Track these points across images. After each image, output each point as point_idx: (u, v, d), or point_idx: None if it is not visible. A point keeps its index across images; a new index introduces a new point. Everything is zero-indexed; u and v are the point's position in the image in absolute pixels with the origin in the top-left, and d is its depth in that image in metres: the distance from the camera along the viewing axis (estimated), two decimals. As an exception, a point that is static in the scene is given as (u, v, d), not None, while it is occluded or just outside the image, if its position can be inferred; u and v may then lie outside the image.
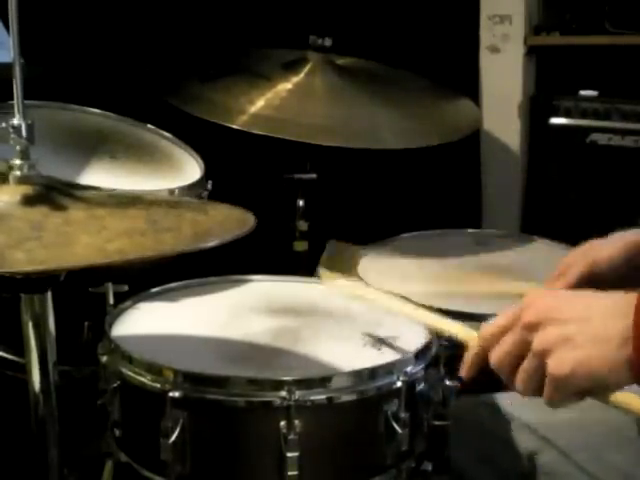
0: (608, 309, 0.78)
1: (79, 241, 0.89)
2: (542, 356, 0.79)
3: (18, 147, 0.98)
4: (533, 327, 0.80)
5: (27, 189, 0.97)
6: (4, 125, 0.98)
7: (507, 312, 0.84)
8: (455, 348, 1.09)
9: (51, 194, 0.98)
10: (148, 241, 0.91)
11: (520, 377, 0.82)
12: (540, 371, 0.80)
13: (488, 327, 0.86)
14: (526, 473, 1.14)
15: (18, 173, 0.98)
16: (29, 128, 0.98)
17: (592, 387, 0.79)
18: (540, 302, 0.82)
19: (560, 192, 2.24)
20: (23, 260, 0.84)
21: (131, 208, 1.01)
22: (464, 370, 0.90)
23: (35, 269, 0.89)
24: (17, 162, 0.98)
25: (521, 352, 0.81)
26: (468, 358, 0.89)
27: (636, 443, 1.10)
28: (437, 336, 1.15)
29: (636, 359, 0.74)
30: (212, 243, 0.91)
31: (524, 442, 1.15)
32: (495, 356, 0.84)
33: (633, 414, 0.81)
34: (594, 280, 1.17)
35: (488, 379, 0.89)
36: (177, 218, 1.01)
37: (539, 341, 0.79)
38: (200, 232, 0.98)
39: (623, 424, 1.10)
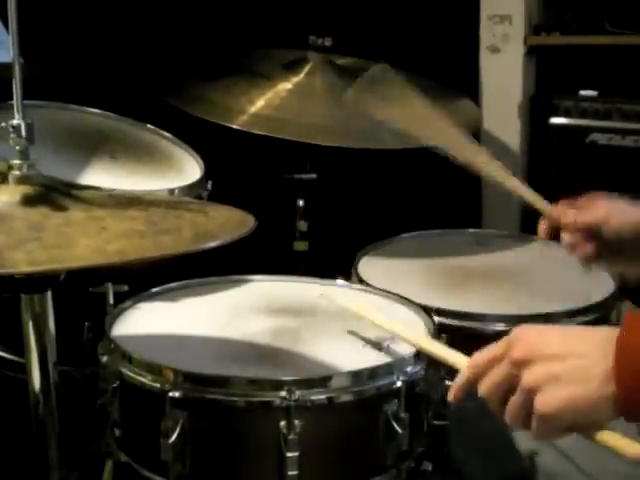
0: (593, 347, 0.79)
1: (79, 242, 0.89)
2: (530, 393, 0.80)
3: (18, 147, 0.98)
4: (521, 364, 0.81)
5: (27, 189, 0.97)
6: (4, 125, 0.98)
7: (497, 344, 0.86)
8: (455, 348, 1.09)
9: (51, 194, 0.98)
10: (148, 243, 0.91)
11: (509, 411, 0.83)
12: (528, 407, 0.81)
13: (478, 356, 0.87)
14: (525, 472, 1.14)
15: (18, 173, 0.98)
16: (29, 128, 0.98)
17: (578, 423, 0.80)
18: (528, 337, 0.83)
19: (560, 192, 2.23)
20: (23, 261, 0.84)
21: (130, 209, 1.01)
22: (452, 395, 0.90)
23: (35, 270, 0.89)
24: (17, 162, 0.98)
25: (509, 386, 0.83)
26: (457, 384, 0.89)
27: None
28: (438, 334, 1.15)
29: (620, 396, 0.76)
30: (212, 245, 0.91)
31: (524, 441, 1.15)
32: (484, 387, 0.85)
33: (619, 454, 0.82)
34: (596, 234, 1.18)
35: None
36: (176, 219, 1.00)
37: (526, 379, 0.81)
38: (200, 234, 0.97)
39: (623, 425, 1.10)
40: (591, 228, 1.20)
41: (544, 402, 0.79)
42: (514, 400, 0.82)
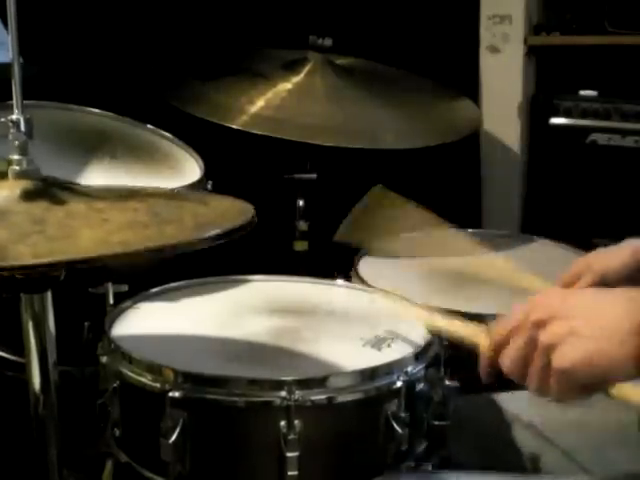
0: (614, 305, 0.78)
1: (82, 234, 0.89)
2: (548, 351, 0.79)
3: (17, 142, 0.98)
4: (541, 324, 0.80)
5: (26, 184, 0.97)
6: (3, 120, 0.98)
7: (515, 313, 0.84)
8: (455, 348, 1.09)
9: (50, 188, 0.98)
10: (151, 233, 0.92)
11: (530, 375, 0.82)
12: (548, 367, 0.79)
13: (498, 328, 0.86)
14: (529, 473, 1.14)
15: (17, 168, 0.98)
16: (28, 123, 0.98)
17: (596, 381, 0.79)
18: (547, 300, 0.83)
19: (560, 192, 2.24)
20: (28, 254, 0.84)
21: (131, 200, 1.01)
22: (483, 374, 0.89)
23: (41, 262, 0.89)
24: (16, 157, 0.98)
25: (531, 352, 0.81)
26: (484, 361, 0.88)
27: (638, 443, 1.10)
28: (438, 336, 1.15)
29: None
30: (214, 232, 0.91)
31: (527, 442, 1.15)
32: (506, 359, 0.84)
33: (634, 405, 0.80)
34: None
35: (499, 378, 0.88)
36: (178, 210, 1.01)
37: (545, 336, 0.79)
38: (201, 223, 0.98)
39: (626, 424, 1.10)
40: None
41: (561, 356, 0.78)
42: (534, 363, 0.81)
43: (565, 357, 0.78)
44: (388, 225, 1.45)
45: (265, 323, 1.21)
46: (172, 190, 1.43)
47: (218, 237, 0.90)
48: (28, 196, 0.96)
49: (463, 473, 1.08)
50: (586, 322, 0.78)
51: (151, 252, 0.88)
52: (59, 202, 0.95)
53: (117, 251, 0.88)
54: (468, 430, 1.18)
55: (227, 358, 1.10)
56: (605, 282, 1.17)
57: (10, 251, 0.84)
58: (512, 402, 1.19)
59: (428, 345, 1.13)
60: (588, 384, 0.79)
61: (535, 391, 0.82)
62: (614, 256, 1.17)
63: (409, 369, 1.08)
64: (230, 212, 1.03)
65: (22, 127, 0.97)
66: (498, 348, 0.85)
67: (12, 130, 0.97)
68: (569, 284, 1.20)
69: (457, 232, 1.65)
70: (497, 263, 1.47)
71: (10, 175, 0.98)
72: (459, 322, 0.99)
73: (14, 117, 0.97)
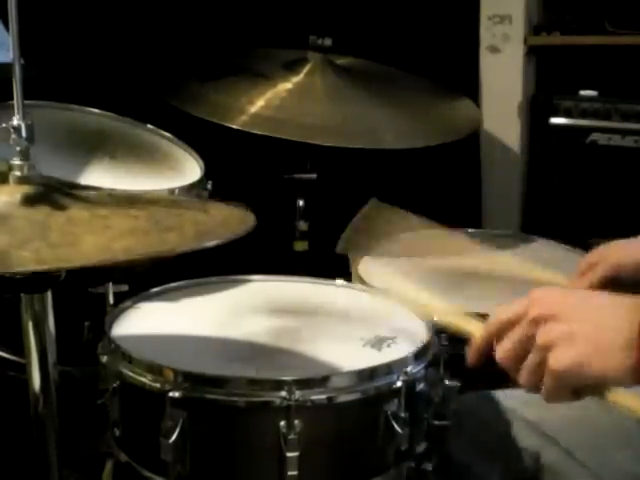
0: (614, 311, 0.78)
1: (85, 240, 0.89)
2: (544, 350, 0.79)
3: (18, 147, 0.98)
4: (538, 322, 0.80)
5: (27, 189, 0.97)
6: (4, 125, 0.98)
7: (514, 306, 0.84)
8: (455, 348, 1.09)
9: (51, 194, 0.98)
10: (153, 240, 0.92)
11: (523, 370, 0.82)
12: (542, 365, 0.80)
13: (495, 318, 0.86)
14: (529, 471, 1.14)
15: (18, 173, 0.98)
16: (29, 128, 0.98)
17: (590, 385, 0.79)
18: (547, 297, 0.83)
19: (560, 192, 2.24)
20: (31, 260, 0.85)
21: (132, 208, 1.01)
22: (470, 356, 0.90)
23: (45, 269, 0.89)
24: (17, 162, 0.98)
25: (526, 348, 0.82)
26: (474, 345, 0.89)
27: (639, 439, 1.10)
28: (438, 334, 1.15)
29: None
30: (215, 242, 0.92)
31: (527, 440, 1.15)
32: (501, 351, 0.84)
33: (631, 414, 0.81)
34: (617, 282, 1.17)
35: (493, 370, 0.89)
36: (178, 217, 1.01)
37: (542, 335, 0.80)
38: (202, 231, 0.98)
39: (626, 422, 1.10)
40: (610, 282, 1.19)
41: (556, 359, 0.78)
42: (529, 359, 0.81)
43: (559, 360, 0.78)
44: (387, 235, 1.47)
45: (265, 323, 1.21)
46: (172, 197, 1.43)
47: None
48: (29, 201, 0.96)
49: None
50: (585, 326, 0.78)
51: (152, 260, 0.88)
52: (60, 208, 0.95)
53: (119, 258, 0.89)
54: (468, 428, 1.18)
55: (227, 358, 1.10)
56: (619, 275, 1.17)
57: (13, 257, 0.84)
58: (511, 399, 1.19)
59: (428, 345, 1.13)
60: (580, 387, 0.80)
61: (526, 386, 0.83)
62: (629, 249, 1.17)
63: (409, 369, 1.08)
64: (230, 220, 1.03)
65: (23, 133, 0.97)
66: (493, 335, 0.85)
67: (13, 135, 0.97)
68: (583, 274, 1.21)
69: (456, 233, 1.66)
70: (508, 261, 1.48)
71: (11, 180, 0.98)
72: (457, 314, 1.00)
73: (15, 123, 0.97)
